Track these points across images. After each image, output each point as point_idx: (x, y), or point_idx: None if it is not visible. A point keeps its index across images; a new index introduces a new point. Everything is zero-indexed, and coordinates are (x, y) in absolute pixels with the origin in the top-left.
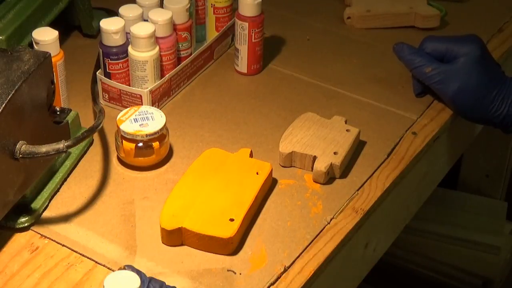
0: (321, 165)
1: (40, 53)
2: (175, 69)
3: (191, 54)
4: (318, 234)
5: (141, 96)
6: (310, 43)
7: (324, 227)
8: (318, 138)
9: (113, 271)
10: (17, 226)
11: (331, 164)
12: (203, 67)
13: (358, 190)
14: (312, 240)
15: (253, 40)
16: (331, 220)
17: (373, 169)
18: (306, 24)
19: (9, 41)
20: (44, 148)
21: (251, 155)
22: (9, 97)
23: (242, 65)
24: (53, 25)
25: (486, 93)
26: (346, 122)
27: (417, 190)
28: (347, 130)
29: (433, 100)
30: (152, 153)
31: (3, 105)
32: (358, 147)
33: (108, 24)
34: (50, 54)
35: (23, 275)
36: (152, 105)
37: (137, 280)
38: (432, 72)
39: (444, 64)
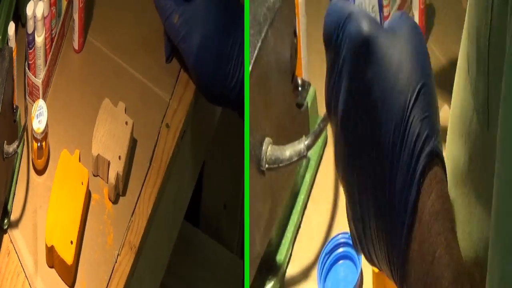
0: (111, 175)
1: None
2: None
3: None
4: (111, 275)
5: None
6: None
7: (114, 267)
8: (111, 135)
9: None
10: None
11: (117, 173)
12: None
13: (132, 215)
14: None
15: None
16: (117, 257)
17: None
18: None
19: None
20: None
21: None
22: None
23: None
24: None
25: (226, 48)
26: (125, 111)
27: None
28: (126, 123)
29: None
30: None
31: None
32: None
33: None
34: None
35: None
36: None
37: None
38: (179, 22)
39: (186, 4)
